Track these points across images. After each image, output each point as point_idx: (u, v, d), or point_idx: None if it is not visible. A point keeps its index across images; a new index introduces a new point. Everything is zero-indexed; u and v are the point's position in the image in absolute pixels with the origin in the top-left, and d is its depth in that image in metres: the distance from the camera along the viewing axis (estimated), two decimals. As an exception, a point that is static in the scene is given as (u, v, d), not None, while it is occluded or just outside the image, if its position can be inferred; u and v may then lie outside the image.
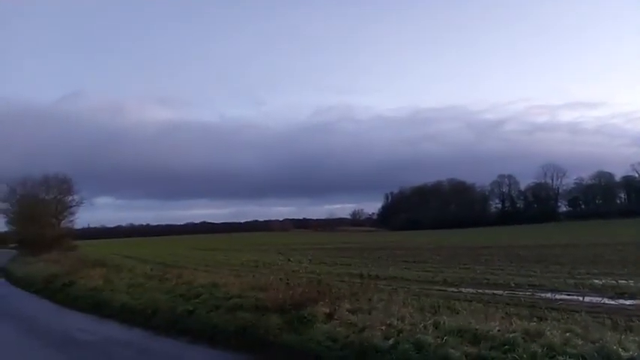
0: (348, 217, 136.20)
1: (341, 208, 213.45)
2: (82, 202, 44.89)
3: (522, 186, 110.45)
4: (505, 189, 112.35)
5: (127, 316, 10.07)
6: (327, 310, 7.45)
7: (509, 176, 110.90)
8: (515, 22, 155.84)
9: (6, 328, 10.12)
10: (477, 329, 5.68)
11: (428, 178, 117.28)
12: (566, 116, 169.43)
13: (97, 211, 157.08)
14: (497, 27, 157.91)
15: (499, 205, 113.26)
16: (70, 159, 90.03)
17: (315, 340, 6.36)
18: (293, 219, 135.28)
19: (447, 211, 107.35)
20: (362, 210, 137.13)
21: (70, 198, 43.91)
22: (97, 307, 11.41)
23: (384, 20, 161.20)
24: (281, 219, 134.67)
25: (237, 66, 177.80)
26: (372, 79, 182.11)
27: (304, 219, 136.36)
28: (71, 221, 45.40)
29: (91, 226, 75.62)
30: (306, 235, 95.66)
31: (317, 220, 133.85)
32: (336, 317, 7.19)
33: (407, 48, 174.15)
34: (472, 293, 13.70)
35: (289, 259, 15.11)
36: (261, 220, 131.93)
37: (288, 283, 8.71)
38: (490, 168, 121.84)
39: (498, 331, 5.62)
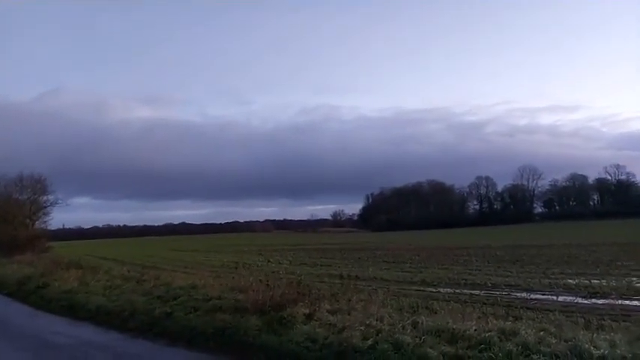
0: (330, 218, 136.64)
1: (323, 209, 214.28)
2: (57, 203, 43.80)
3: (499, 187, 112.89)
4: (483, 190, 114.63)
5: (103, 318, 9.85)
6: (307, 311, 7.46)
7: (487, 178, 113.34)
8: (498, 27, 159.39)
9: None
10: (454, 329, 5.78)
11: (410, 178, 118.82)
12: (546, 119, 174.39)
13: (73, 211, 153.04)
14: (481, 31, 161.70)
15: (477, 206, 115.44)
16: (47, 157, 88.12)
17: (295, 341, 6.36)
18: (274, 220, 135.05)
19: (427, 212, 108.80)
20: (342, 211, 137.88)
21: (45, 198, 42.79)
22: (71, 309, 11.13)
23: (370, 23, 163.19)
24: (262, 220, 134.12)
25: (223, 65, 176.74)
26: (358, 80, 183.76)
27: (286, 220, 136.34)
28: (45, 222, 44.25)
29: (67, 226, 73.70)
30: (288, 236, 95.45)
31: (298, 221, 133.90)
32: (315, 318, 7.19)
33: (392, 50, 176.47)
34: (450, 293, 13.93)
35: (269, 260, 15.09)
36: (242, 221, 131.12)
37: (267, 285, 8.68)
38: (471, 169, 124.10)
39: (475, 330, 5.72)
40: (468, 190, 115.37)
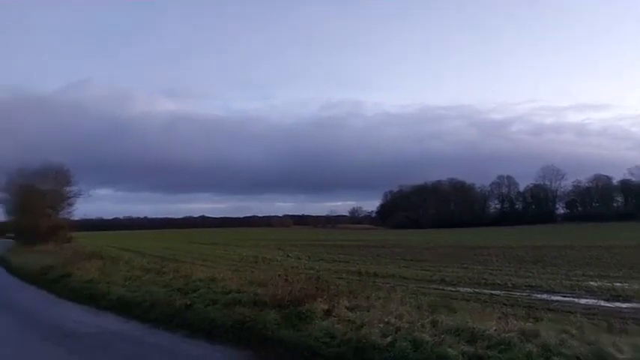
0: (348, 214, 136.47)
1: (341, 206, 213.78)
2: (80, 194, 44.69)
3: (521, 187, 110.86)
4: (504, 190, 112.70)
5: (123, 308, 10.03)
6: (326, 307, 7.46)
7: (509, 177, 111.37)
8: (525, 24, 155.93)
9: (3, 319, 10.11)
10: (474, 328, 5.69)
11: (429, 176, 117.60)
12: (573, 118, 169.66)
13: (96, 202, 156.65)
14: (508, 28, 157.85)
15: (498, 206, 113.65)
16: (71, 149, 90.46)
17: (313, 336, 6.36)
18: (293, 215, 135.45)
19: (446, 210, 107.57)
20: (360, 208, 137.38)
21: (68, 189, 43.69)
22: (93, 299, 11.37)
23: (395, 18, 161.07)
24: (281, 215, 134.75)
25: (247, 60, 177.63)
26: (381, 76, 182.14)
27: (304, 215, 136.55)
28: (68, 212, 45.21)
29: (88, 217, 75.35)
30: (306, 231, 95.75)
31: (317, 216, 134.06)
32: (334, 314, 7.19)
33: (417, 46, 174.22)
34: (470, 293, 13.77)
35: (288, 255, 15.12)
36: (260, 215, 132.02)
37: (286, 279, 8.72)
38: (492, 168, 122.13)
39: (495, 330, 5.63)
40: (489, 189, 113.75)
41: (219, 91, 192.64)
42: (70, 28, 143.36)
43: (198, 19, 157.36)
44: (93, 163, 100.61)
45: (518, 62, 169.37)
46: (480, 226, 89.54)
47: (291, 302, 7.80)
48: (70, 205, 44.15)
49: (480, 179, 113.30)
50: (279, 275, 9.40)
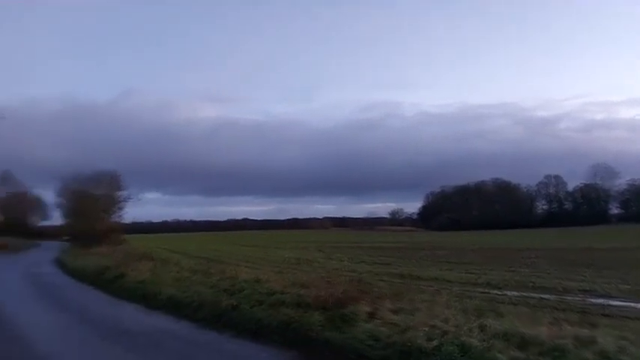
0: (388, 216, 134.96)
1: (381, 208, 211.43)
2: (130, 198, 46.89)
3: (570, 187, 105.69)
4: (552, 190, 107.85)
5: (174, 308, 10.43)
6: (369, 310, 7.47)
7: (557, 176, 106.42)
8: (571, 15, 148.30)
9: (65, 318, 10.78)
10: (524, 334, 5.53)
11: (472, 177, 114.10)
12: (625, 113, 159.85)
13: (145, 206, 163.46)
14: (553, 20, 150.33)
15: (545, 207, 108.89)
16: (121, 155, 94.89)
17: (358, 338, 6.39)
18: (332, 217, 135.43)
19: (491, 211, 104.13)
20: (401, 209, 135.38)
21: (119, 193, 45.94)
22: (145, 298, 11.89)
23: (432, 15, 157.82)
24: (320, 217, 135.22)
25: (286, 64, 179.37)
26: (420, 75, 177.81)
27: (343, 217, 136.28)
28: (120, 216, 47.49)
29: (138, 220, 78.77)
30: (346, 233, 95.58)
31: (356, 218, 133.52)
32: (377, 317, 7.19)
33: (456, 42, 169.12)
34: (517, 297, 13.30)
35: (330, 258, 15.19)
36: (300, 217, 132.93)
37: (329, 281, 8.79)
38: (539, 168, 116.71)
39: (547, 336, 5.45)
40: (535, 189, 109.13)
41: (259, 96, 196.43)
42: (119, 42, 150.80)
43: (237, 25, 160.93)
44: (142, 169, 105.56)
45: (566, 56, 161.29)
46: (527, 227, 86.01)
47: (334, 304, 7.85)
48: (121, 208, 46.42)
49: (526, 179, 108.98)
50: (321, 277, 9.49)
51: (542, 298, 13.24)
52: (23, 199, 64.15)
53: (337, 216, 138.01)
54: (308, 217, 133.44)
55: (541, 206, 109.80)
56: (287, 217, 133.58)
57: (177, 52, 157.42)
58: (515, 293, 14.16)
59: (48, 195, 65.97)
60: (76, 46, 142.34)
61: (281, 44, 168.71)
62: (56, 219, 59.82)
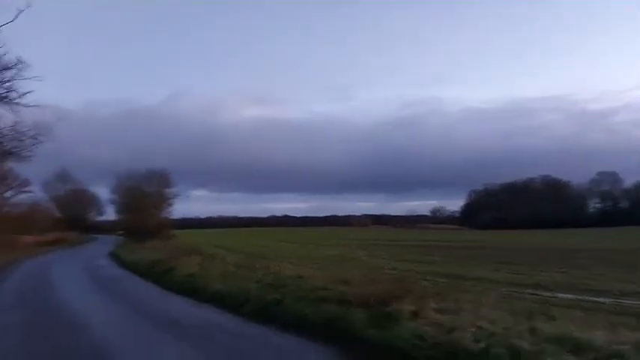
0: (428, 214, 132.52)
1: (421, 205, 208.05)
2: (179, 195, 48.95)
3: (627, 184, 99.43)
4: (606, 187, 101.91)
5: (220, 302, 10.75)
6: (413, 308, 7.40)
7: (612, 173, 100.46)
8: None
9: (121, 308, 11.41)
10: (578, 338, 5.30)
11: (518, 174, 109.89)
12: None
13: (192, 202, 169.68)
14: (608, 5, 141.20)
15: (599, 205, 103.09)
16: (172, 154, 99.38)
17: (402, 337, 6.36)
18: (372, 215, 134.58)
19: (539, 210, 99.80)
20: (443, 207, 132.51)
21: (169, 190, 48.05)
22: (194, 292, 12.32)
23: (475, 6, 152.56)
24: (360, 214, 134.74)
25: (327, 62, 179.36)
26: (463, 69, 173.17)
27: (383, 215, 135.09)
28: (169, 212, 49.68)
29: (186, 216, 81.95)
30: (386, 231, 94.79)
31: (396, 216, 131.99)
32: (421, 316, 7.11)
33: (501, 34, 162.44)
34: (569, 299, 12.76)
35: (371, 255, 15.17)
36: (340, 214, 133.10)
37: (372, 279, 8.79)
38: (592, 164, 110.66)
39: (604, 341, 5.21)
40: (587, 186, 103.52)
41: (302, 95, 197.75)
42: (169, 46, 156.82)
43: (279, 29, 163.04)
44: (190, 167, 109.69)
45: (623, 43, 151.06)
46: (578, 226, 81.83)
47: (377, 302, 7.85)
48: (171, 205, 48.61)
49: (578, 176, 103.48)
50: (363, 274, 9.50)
51: (596, 301, 12.62)
52: (81, 196, 68.31)
53: (376, 213, 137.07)
54: (347, 214, 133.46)
55: (593, 205, 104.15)
56: (326, 214, 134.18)
57: (222, 55, 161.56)
58: (567, 295, 13.57)
59: (103, 192, 70.09)
60: (129, 52, 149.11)
61: (322, 42, 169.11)
62: (110, 214, 63.37)
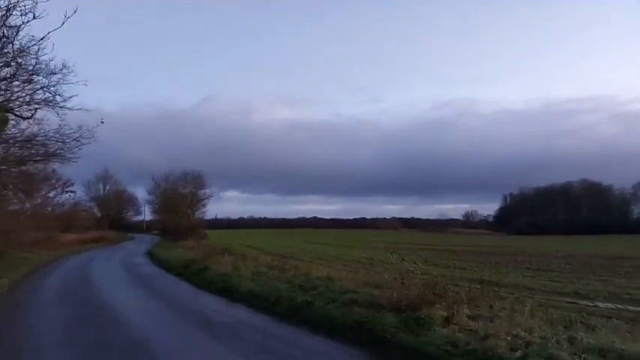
0: (460, 218, 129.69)
1: (453, 209, 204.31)
2: (212, 196, 50.15)
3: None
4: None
5: (252, 301, 10.91)
6: (445, 314, 7.29)
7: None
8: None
9: (157, 305, 11.77)
10: (622, 349, 5.09)
11: (556, 178, 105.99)
12: None
13: (224, 203, 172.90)
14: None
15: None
16: (205, 156, 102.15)
17: (434, 343, 6.28)
18: (401, 218, 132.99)
19: (578, 215, 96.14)
20: (475, 211, 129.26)
21: (203, 192, 49.32)
22: (226, 291, 12.55)
23: (511, 4, 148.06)
24: (388, 217, 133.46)
25: (357, 64, 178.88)
26: (498, 68, 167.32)
27: (412, 218, 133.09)
28: (203, 212, 50.95)
29: (218, 217, 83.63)
30: (415, 234, 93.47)
31: (426, 220, 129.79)
32: (454, 322, 7.00)
33: (538, 31, 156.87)
34: (611, 309, 12.23)
35: (403, 259, 15.03)
36: (368, 217, 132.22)
37: (403, 283, 8.71)
38: (636, 167, 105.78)
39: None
40: (631, 191, 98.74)
41: (331, 97, 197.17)
42: (203, 50, 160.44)
43: (308, 29, 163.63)
44: (222, 168, 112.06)
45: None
46: (621, 233, 78.15)
47: (408, 306, 7.77)
48: (204, 206, 49.87)
49: (620, 180, 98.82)
50: (394, 278, 9.41)
51: (639, 311, 12.05)
52: (120, 196, 70.84)
53: (405, 216, 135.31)
54: (377, 216, 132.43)
55: (638, 210, 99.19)
56: (355, 217, 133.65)
57: (252, 58, 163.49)
58: (609, 305, 13.02)
59: (140, 192, 72.48)
60: (166, 56, 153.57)
61: (351, 43, 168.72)
62: (147, 214, 65.53)
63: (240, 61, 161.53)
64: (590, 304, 13.16)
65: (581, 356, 5.08)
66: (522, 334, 6.06)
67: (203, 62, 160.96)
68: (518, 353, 5.40)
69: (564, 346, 5.47)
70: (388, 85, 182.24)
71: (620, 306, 12.81)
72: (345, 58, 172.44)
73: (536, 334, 6.00)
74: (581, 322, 7.42)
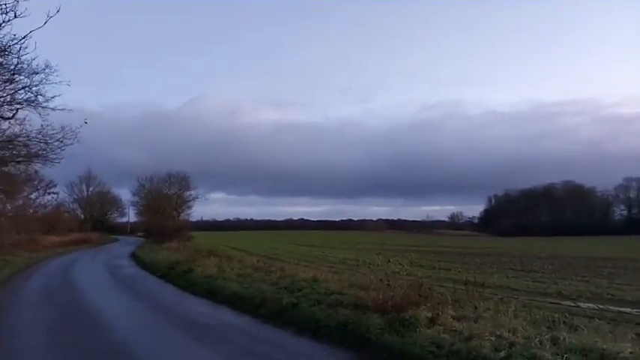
0: (446, 219, 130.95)
1: (438, 210, 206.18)
2: (198, 197, 49.70)
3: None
4: (633, 194, 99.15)
5: (237, 303, 10.82)
6: (430, 315, 7.31)
7: (639, 179, 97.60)
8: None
9: (141, 307, 11.59)
10: (604, 349, 5.14)
11: (540, 179, 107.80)
12: None
13: (210, 205, 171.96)
14: (637, 5, 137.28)
15: (625, 212, 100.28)
16: (191, 157, 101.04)
17: (419, 344, 6.27)
18: (387, 219, 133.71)
19: (561, 217, 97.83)
20: (461, 213, 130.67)
21: (188, 193, 48.86)
22: (211, 293, 12.44)
23: (498, 7, 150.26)
24: (375, 219, 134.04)
25: (345, 66, 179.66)
26: (484, 71, 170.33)
27: (399, 220, 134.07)
28: (188, 214, 50.46)
29: (204, 219, 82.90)
30: (401, 236, 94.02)
31: (412, 221, 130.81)
32: (439, 323, 7.02)
33: (525, 36, 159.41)
34: (593, 309, 12.41)
35: (389, 260, 15.06)
36: (355, 219, 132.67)
37: (388, 284, 8.70)
38: (618, 169, 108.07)
39: (631, 353, 5.04)
40: (613, 193, 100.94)
41: (318, 99, 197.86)
42: (190, 51, 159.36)
43: (296, 33, 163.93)
44: (208, 170, 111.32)
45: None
46: (603, 234, 79.73)
47: (393, 308, 7.77)
48: (190, 207, 49.40)
49: (602, 182, 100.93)
50: (380, 280, 9.41)
51: (621, 311, 12.27)
52: (104, 198, 69.82)
53: (391, 218, 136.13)
54: (363, 218, 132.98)
55: (619, 212, 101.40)
56: (342, 218, 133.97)
57: (240, 59, 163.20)
58: (591, 305, 13.21)
59: (125, 193, 71.61)
60: (152, 56, 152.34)
61: (339, 46, 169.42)
62: (132, 216, 64.68)
63: (227, 62, 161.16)
64: (573, 305, 13.35)
65: (563, 356, 5.12)
66: (506, 334, 6.09)
67: (190, 63, 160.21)
68: (502, 353, 5.43)
69: (547, 347, 5.51)
70: (376, 87, 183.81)
71: (602, 306, 13.01)
72: (333, 60, 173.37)
73: (519, 335, 6.04)
74: (564, 322, 7.50)
